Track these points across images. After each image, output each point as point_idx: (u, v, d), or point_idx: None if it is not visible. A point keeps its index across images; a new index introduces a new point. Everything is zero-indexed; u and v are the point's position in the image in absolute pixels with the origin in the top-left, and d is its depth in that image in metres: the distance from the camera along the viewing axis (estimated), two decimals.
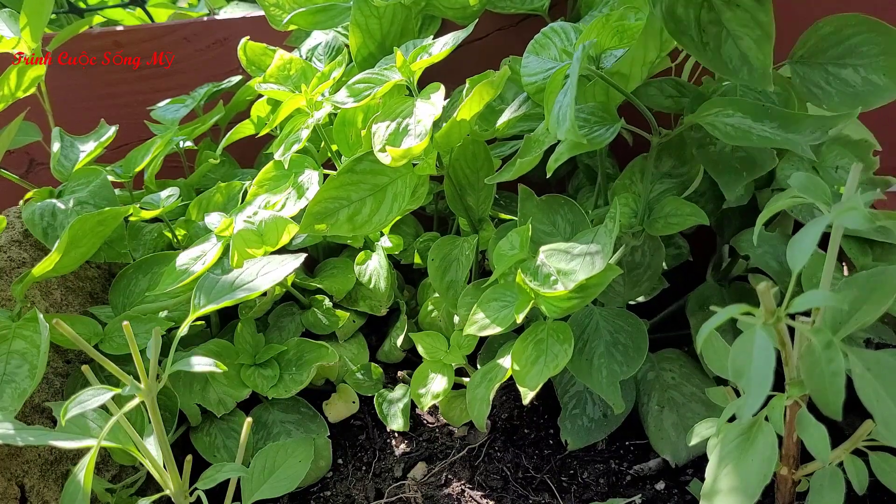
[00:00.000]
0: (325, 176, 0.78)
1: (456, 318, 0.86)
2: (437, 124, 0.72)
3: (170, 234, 0.92)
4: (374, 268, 0.91)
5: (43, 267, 0.74)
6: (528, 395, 0.68)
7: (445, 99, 0.74)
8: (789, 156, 0.73)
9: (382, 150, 0.70)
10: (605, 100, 0.70)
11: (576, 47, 0.66)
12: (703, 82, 0.76)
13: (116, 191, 0.88)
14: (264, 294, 0.87)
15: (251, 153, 1.11)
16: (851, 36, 0.66)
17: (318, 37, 1.00)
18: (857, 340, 0.70)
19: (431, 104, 0.69)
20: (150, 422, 0.63)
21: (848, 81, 0.66)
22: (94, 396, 0.55)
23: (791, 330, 0.51)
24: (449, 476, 0.79)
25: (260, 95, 1.00)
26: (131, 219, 0.89)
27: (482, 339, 0.85)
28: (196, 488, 0.63)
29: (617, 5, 0.67)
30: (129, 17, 1.46)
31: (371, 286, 0.91)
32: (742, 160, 0.72)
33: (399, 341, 0.95)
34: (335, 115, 0.82)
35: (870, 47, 0.65)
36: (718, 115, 0.65)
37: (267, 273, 0.67)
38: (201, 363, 0.59)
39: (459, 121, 0.73)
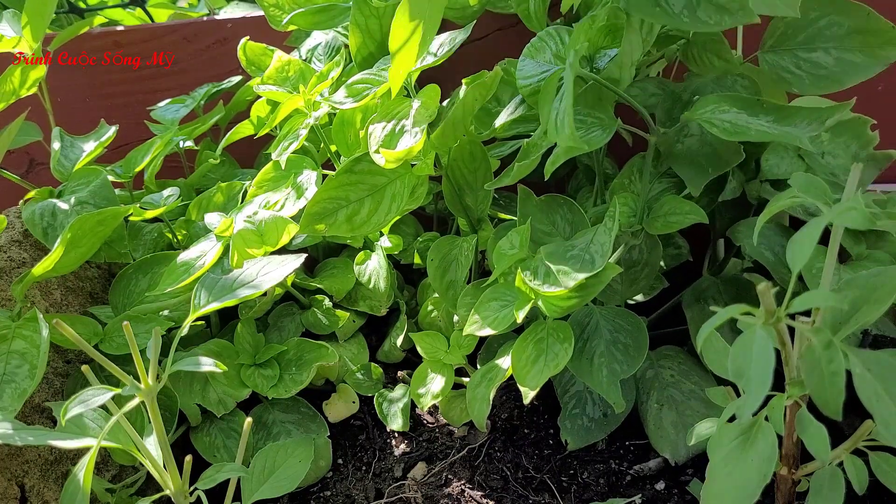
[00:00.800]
0: (325, 176, 0.78)
1: (456, 318, 0.86)
2: (434, 125, 0.72)
3: (170, 235, 0.92)
4: (373, 268, 0.91)
5: (43, 267, 0.74)
6: (528, 395, 0.68)
7: (444, 100, 0.74)
8: (774, 145, 0.73)
9: (378, 151, 0.70)
10: (601, 100, 0.70)
11: (566, 53, 0.66)
12: (684, 78, 0.76)
13: (116, 191, 0.88)
14: (264, 294, 0.87)
15: (251, 153, 1.11)
16: (817, 19, 0.66)
17: (318, 37, 1.00)
18: (854, 332, 0.70)
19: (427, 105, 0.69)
20: (150, 422, 0.63)
21: (819, 63, 0.66)
22: (94, 396, 0.55)
23: (791, 329, 0.51)
24: (449, 476, 0.79)
25: (260, 96, 1.00)
26: (131, 219, 0.89)
27: (482, 339, 0.85)
28: (196, 488, 0.63)
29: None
30: (129, 17, 1.46)
31: (371, 286, 0.91)
32: (707, 156, 0.72)
33: (399, 341, 0.95)
34: (335, 115, 0.82)
35: (837, 28, 0.65)
36: (714, 112, 0.65)
37: (267, 273, 0.67)
38: (202, 363, 0.59)
39: (454, 122, 0.73)
